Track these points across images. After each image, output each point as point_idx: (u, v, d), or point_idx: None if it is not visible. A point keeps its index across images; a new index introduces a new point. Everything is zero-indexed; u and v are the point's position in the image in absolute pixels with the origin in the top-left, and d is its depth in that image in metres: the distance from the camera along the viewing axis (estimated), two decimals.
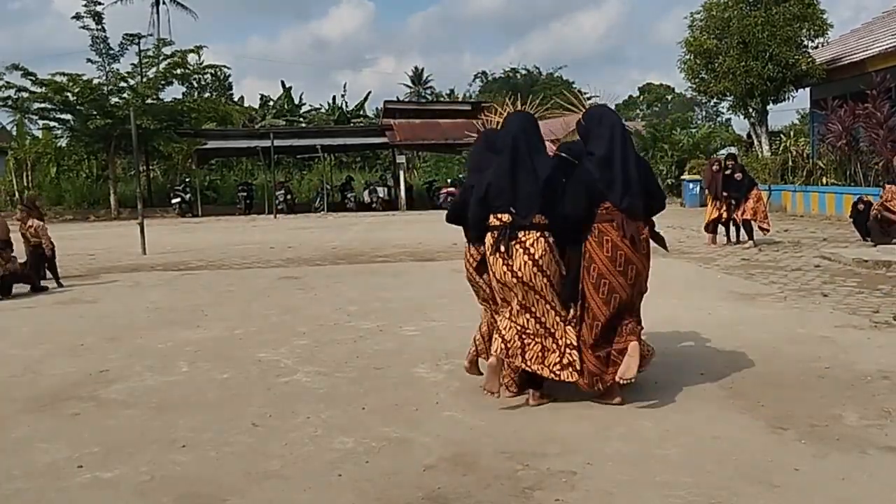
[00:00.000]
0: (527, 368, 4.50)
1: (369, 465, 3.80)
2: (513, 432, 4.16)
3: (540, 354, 4.47)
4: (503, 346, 4.44)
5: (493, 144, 4.74)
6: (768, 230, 12.92)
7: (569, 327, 4.49)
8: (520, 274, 4.39)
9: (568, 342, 4.47)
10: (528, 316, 4.47)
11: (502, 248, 4.40)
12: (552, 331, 4.48)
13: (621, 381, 4.40)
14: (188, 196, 29.48)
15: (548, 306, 4.46)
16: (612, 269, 4.40)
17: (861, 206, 12.53)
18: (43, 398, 5.12)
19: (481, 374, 4.82)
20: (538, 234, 4.40)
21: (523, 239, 4.39)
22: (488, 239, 4.53)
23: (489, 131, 5.03)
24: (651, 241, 4.66)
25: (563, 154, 4.71)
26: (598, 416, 4.39)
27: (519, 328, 4.47)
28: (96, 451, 4.09)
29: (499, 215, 4.46)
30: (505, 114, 4.88)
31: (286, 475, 3.70)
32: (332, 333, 6.88)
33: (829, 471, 3.56)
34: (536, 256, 4.38)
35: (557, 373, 4.46)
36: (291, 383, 5.32)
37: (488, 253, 4.54)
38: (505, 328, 4.50)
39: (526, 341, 4.47)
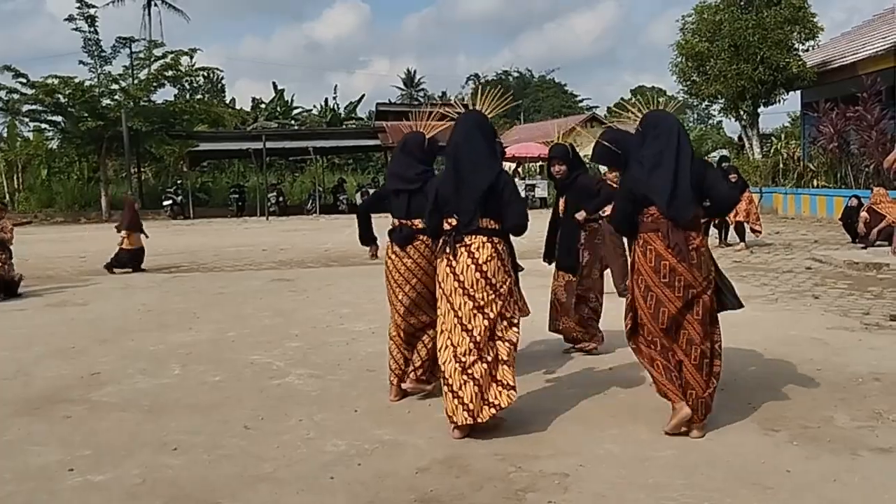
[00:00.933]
0: (484, 419, 4.12)
1: (362, 467, 3.80)
2: (505, 434, 4.15)
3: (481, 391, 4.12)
4: (465, 415, 4.08)
5: (430, 153, 4.88)
6: (760, 232, 12.97)
7: (499, 342, 4.18)
8: (461, 278, 4.18)
9: (500, 357, 4.17)
10: (464, 335, 4.15)
11: (447, 250, 4.27)
12: (482, 349, 4.13)
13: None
14: (180, 198, 29.36)
15: (486, 322, 4.14)
16: (657, 281, 4.11)
17: (854, 202, 12.69)
18: (34, 401, 5.09)
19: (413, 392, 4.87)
20: (485, 238, 4.21)
21: (469, 242, 4.23)
22: (440, 243, 4.40)
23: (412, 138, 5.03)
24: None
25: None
26: (591, 418, 4.40)
27: (468, 376, 4.11)
28: (88, 454, 4.08)
29: (449, 220, 4.33)
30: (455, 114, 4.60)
31: (278, 478, 3.70)
32: (325, 336, 6.87)
33: (821, 472, 3.57)
34: (480, 261, 4.16)
35: (497, 404, 4.13)
36: (284, 386, 5.31)
37: (437, 258, 4.41)
38: (458, 388, 4.10)
39: (475, 377, 4.11)
